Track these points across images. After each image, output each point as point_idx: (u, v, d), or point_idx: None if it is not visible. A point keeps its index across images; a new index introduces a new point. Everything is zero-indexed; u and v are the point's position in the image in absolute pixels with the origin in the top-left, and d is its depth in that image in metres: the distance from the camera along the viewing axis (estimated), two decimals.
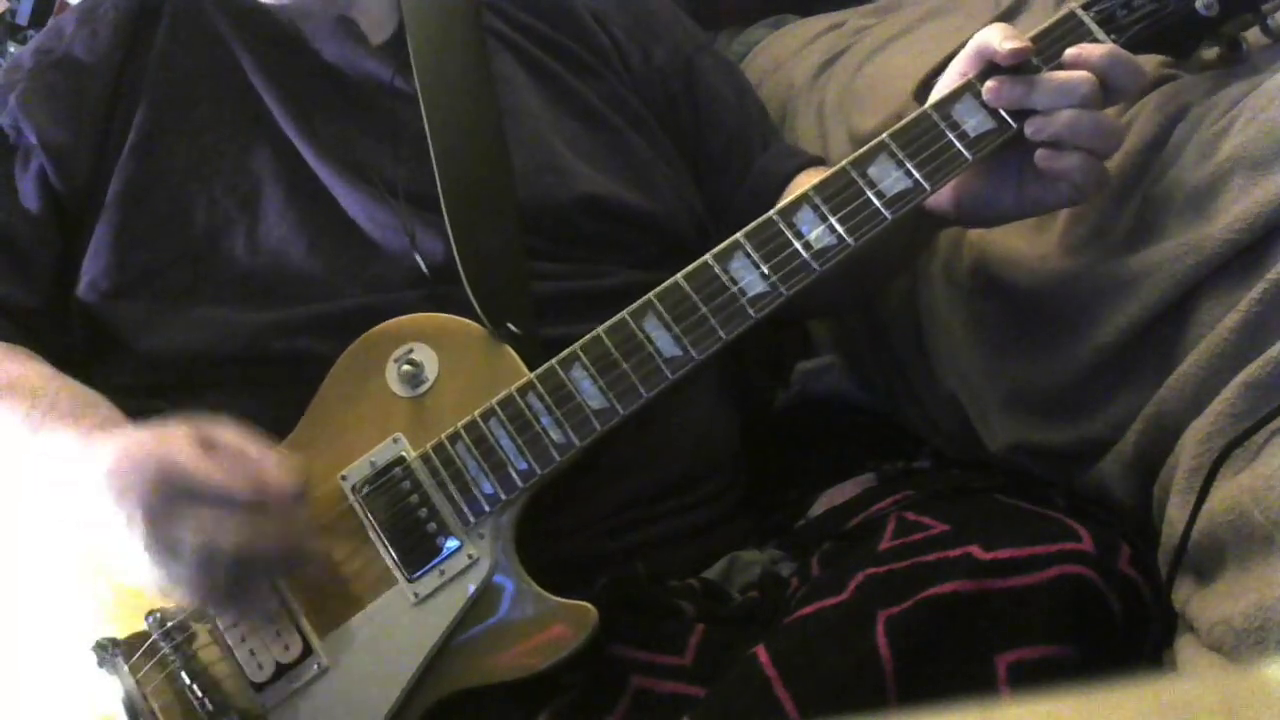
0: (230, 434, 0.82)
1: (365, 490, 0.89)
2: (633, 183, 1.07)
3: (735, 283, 0.88)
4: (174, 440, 0.81)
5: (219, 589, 0.81)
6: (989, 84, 0.89)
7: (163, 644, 0.86)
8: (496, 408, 0.89)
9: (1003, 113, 0.89)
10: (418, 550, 0.88)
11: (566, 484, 0.92)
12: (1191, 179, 0.87)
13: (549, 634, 0.86)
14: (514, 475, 0.88)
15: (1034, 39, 0.89)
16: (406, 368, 0.91)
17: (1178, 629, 0.80)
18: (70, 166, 1.03)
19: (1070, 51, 0.88)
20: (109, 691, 0.86)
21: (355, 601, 0.88)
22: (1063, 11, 0.91)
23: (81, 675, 0.87)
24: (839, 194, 0.89)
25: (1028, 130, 0.88)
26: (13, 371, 0.96)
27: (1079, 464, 0.97)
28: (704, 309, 0.88)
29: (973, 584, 0.74)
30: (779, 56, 1.52)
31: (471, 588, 0.87)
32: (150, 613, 0.87)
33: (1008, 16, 1.22)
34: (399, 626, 0.87)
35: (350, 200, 1.01)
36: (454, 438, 0.89)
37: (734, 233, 0.89)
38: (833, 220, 0.88)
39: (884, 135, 0.89)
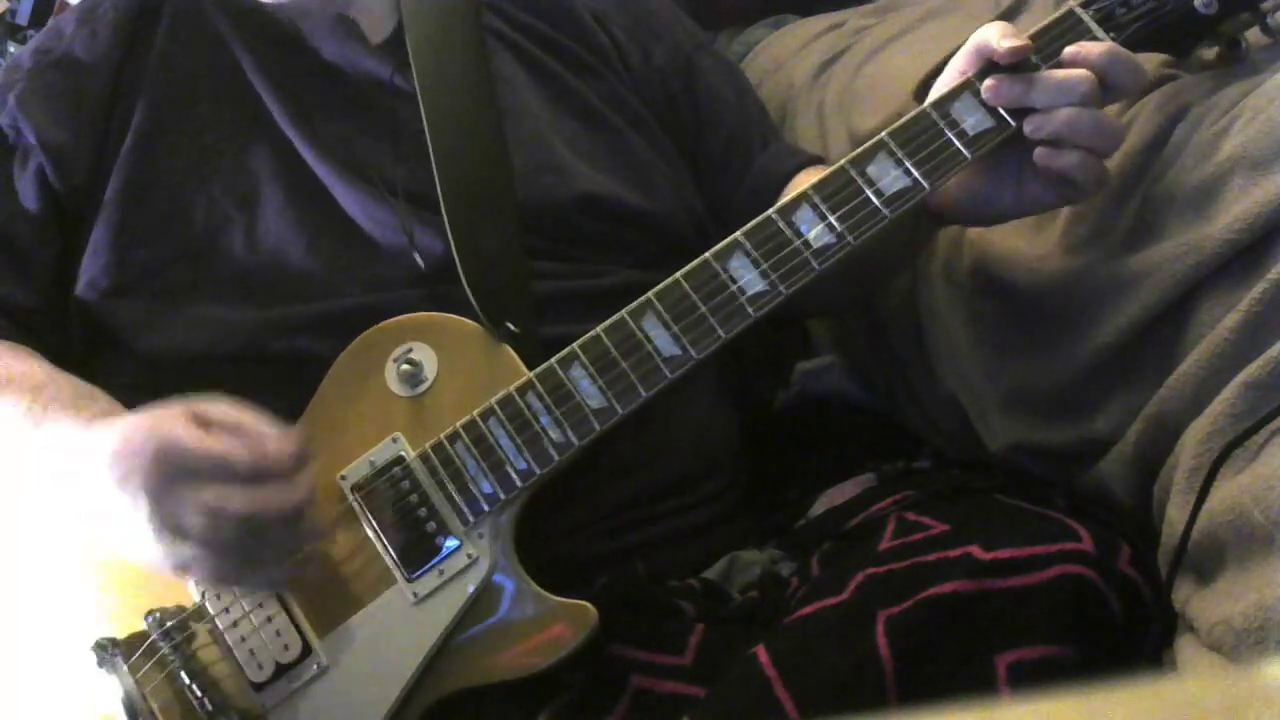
0: (226, 408, 0.82)
1: (365, 490, 0.89)
2: (632, 182, 1.06)
3: (734, 281, 0.88)
4: (170, 419, 0.81)
5: (228, 565, 0.81)
6: (988, 82, 0.89)
7: (162, 644, 0.86)
8: (495, 407, 0.89)
9: (1002, 111, 0.89)
10: (417, 550, 0.88)
11: (566, 484, 0.92)
12: (1191, 179, 0.87)
13: (549, 633, 0.86)
14: (513, 475, 0.88)
15: (1033, 37, 0.89)
16: (405, 367, 0.91)
17: (1178, 629, 0.80)
18: (69, 166, 1.03)
19: (1069, 50, 0.88)
20: (108, 691, 0.86)
21: (355, 601, 0.88)
22: (1062, 10, 0.91)
23: (81, 675, 0.87)
24: (838, 193, 0.89)
25: (1027, 128, 0.88)
26: (13, 368, 0.96)
27: (1079, 464, 0.96)
28: (703, 308, 0.88)
29: (973, 584, 0.74)
30: (779, 56, 1.52)
31: (471, 587, 0.87)
32: (150, 613, 0.87)
33: (1008, 16, 1.22)
34: (398, 626, 0.87)
35: (349, 199, 1.01)
36: (453, 437, 0.89)
37: (733, 232, 0.90)
38: (832, 219, 0.88)
39: (883, 134, 0.90)
